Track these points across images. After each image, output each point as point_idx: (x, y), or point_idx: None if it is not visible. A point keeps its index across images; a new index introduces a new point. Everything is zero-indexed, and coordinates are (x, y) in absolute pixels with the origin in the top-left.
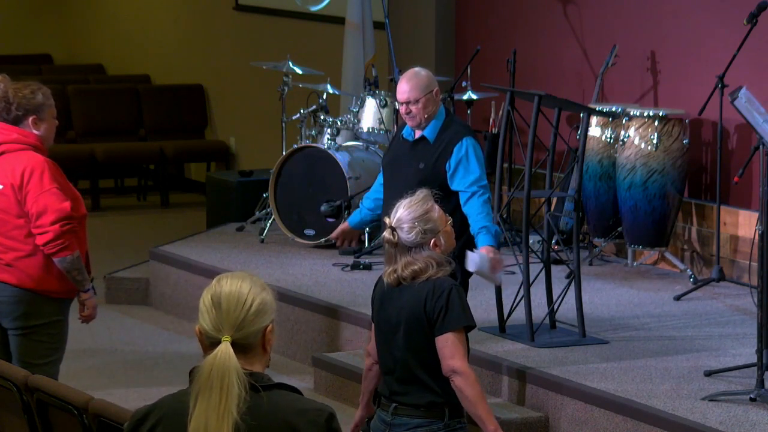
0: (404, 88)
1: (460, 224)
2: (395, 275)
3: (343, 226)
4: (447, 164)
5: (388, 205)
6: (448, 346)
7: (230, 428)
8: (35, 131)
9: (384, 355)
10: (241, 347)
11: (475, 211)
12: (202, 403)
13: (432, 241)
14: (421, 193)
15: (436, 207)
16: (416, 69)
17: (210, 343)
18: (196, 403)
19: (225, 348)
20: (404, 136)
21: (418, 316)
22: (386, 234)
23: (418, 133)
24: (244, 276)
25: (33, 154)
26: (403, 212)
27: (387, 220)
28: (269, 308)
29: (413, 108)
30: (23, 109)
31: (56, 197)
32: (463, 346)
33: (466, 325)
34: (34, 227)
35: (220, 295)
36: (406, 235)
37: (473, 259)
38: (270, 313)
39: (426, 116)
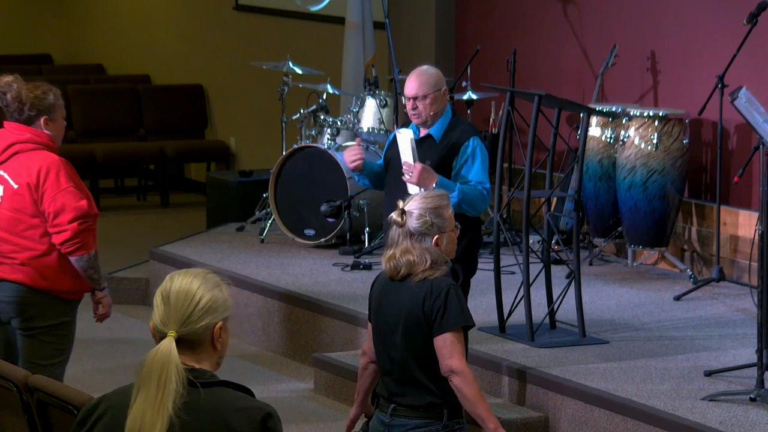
0: (413, 84)
1: (461, 227)
2: (393, 262)
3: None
4: (454, 163)
5: (390, 200)
6: (446, 346)
7: (164, 423)
8: (47, 131)
9: (382, 356)
10: (188, 343)
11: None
12: (141, 397)
13: (435, 237)
14: (440, 191)
15: (450, 209)
16: (426, 66)
17: (160, 338)
18: (136, 396)
19: (167, 343)
20: None
21: (416, 317)
22: (394, 215)
23: (423, 131)
24: (197, 273)
25: (47, 153)
26: (418, 200)
27: (400, 203)
28: (220, 306)
29: (420, 104)
30: (36, 109)
31: (73, 196)
32: (461, 346)
33: (464, 325)
34: (52, 226)
35: (170, 290)
36: (414, 221)
37: (408, 134)
38: (221, 311)
39: (432, 114)
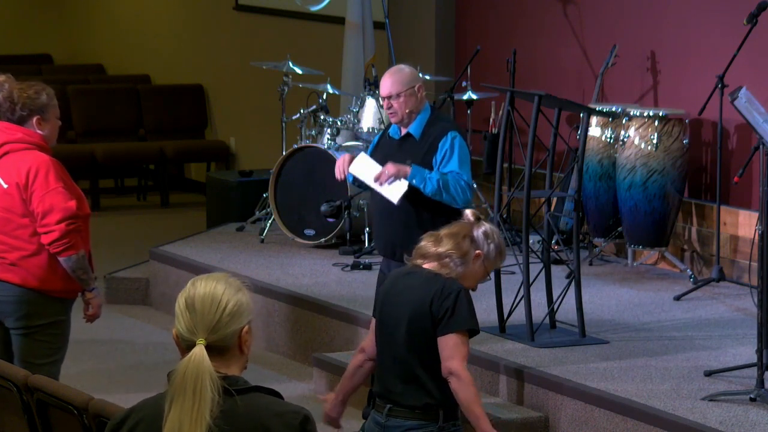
0: (386, 83)
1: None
2: (434, 236)
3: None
4: (434, 160)
5: (377, 202)
6: (449, 346)
7: None
8: (39, 131)
9: (384, 353)
10: (217, 349)
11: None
12: (176, 408)
13: (480, 255)
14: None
15: (499, 264)
16: (400, 65)
17: (186, 347)
18: (170, 407)
19: (199, 351)
20: (390, 134)
21: (422, 315)
22: (468, 212)
23: (403, 131)
24: (219, 277)
25: (38, 153)
26: (496, 230)
27: (484, 207)
28: (245, 309)
29: (394, 103)
30: (28, 109)
31: (62, 196)
32: (464, 348)
33: (470, 328)
34: (40, 226)
35: (194, 297)
36: (479, 230)
37: (362, 157)
38: (246, 315)
39: (407, 111)
